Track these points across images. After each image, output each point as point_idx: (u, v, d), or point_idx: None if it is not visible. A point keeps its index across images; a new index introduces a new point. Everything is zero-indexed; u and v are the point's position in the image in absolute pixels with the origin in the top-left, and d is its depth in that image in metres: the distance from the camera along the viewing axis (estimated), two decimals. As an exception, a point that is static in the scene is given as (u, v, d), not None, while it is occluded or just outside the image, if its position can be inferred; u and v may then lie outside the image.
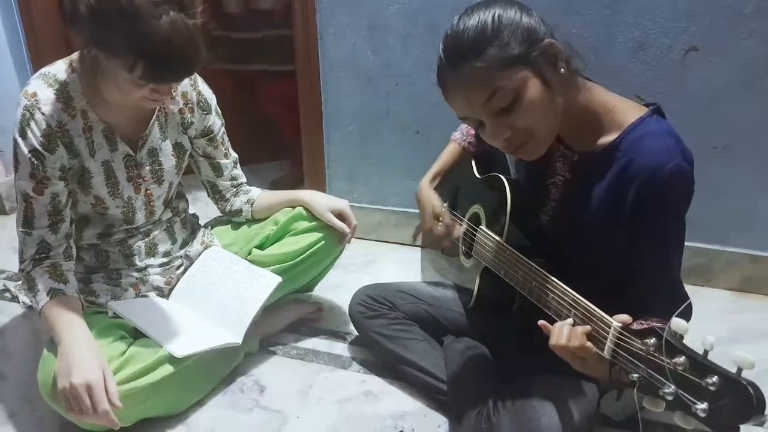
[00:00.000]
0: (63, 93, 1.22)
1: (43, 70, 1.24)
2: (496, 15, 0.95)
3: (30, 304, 1.35)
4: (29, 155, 1.22)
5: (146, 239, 1.44)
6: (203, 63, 1.12)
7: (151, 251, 1.45)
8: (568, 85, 1.01)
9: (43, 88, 1.21)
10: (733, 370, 0.67)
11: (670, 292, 1.03)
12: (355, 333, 1.57)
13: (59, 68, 1.24)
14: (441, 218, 1.34)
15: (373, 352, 1.52)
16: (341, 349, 1.59)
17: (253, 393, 1.44)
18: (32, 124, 1.20)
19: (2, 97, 2.17)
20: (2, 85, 2.19)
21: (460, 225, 1.36)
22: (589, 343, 0.90)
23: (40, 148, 1.21)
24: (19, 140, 1.22)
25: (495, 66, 0.94)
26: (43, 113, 1.20)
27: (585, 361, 0.92)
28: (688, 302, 0.92)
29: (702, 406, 0.67)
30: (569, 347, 0.91)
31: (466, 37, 0.96)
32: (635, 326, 0.96)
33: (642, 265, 1.03)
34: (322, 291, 1.75)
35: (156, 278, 1.46)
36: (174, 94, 1.37)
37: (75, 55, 1.25)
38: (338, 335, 1.64)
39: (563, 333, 0.93)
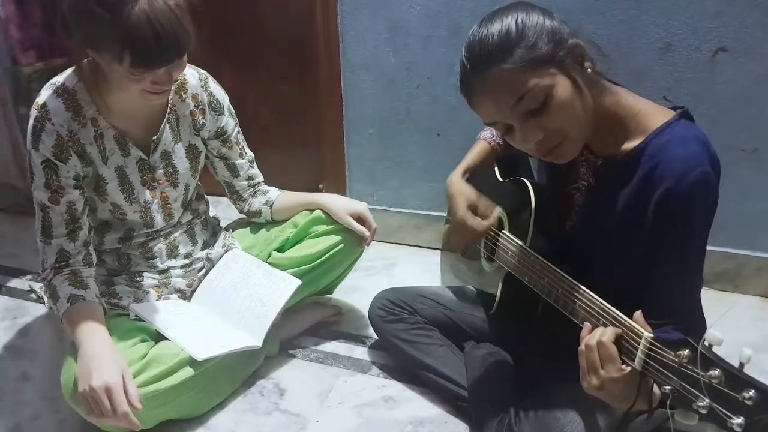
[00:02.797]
0: (72, 102, 1.24)
1: (52, 80, 1.26)
2: (519, 19, 0.95)
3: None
4: (42, 166, 1.23)
5: (167, 241, 1.45)
6: (191, 42, 1.11)
7: (172, 253, 1.46)
8: (594, 87, 0.99)
9: (52, 99, 1.22)
10: (769, 383, 0.65)
11: (685, 306, 1.01)
12: (375, 337, 1.56)
13: (67, 78, 1.25)
14: (477, 208, 1.29)
15: (393, 356, 1.51)
16: (361, 353, 1.58)
17: (272, 396, 1.43)
18: (43, 135, 1.22)
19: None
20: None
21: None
22: (614, 348, 0.88)
23: (52, 159, 1.23)
24: (32, 152, 1.24)
25: (523, 67, 0.93)
26: (53, 124, 1.22)
27: (614, 379, 0.89)
28: (702, 321, 0.89)
29: (738, 420, 0.65)
30: (600, 353, 0.89)
31: (490, 41, 0.95)
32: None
33: (660, 275, 1.00)
34: (342, 294, 1.74)
35: (178, 281, 1.47)
36: (182, 89, 1.37)
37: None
38: (358, 339, 1.63)
39: (595, 334, 0.91)
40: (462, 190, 1.32)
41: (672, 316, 0.96)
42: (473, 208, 1.28)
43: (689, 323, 0.99)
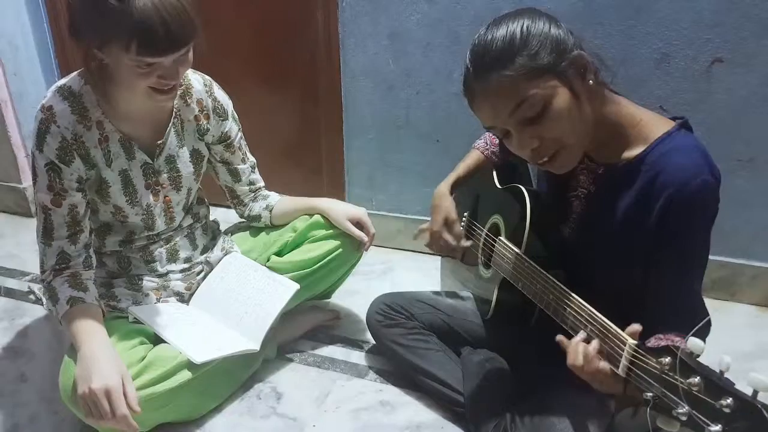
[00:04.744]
0: (78, 105, 1.25)
1: (58, 82, 1.27)
2: (525, 26, 0.95)
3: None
4: (46, 168, 1.24)
5: (167, 245, 1.46)
6: (197, 33, 1.13)
7: (173, 257, 1.47)
8: (596, 97, 1.00)
9: (58, 102, 1.24)
10: (749, 392, 0.65)
11: (691, 309, 1.02)
12: (372, 341, 1.57)
13: (74, 81, 1.26)
14: (452, 227, 1.33)
15: (390, 361, 1.52)
16: (358, 357, 1.59)
17: (270, 400, 1.45)
18: (48, 137, 1.23)
19: (31, 104, 2.23)
20: (32, 92, 2.24)
21: (477, 235, 1.36)
22: (603, 363, 0.90)
23: (56, 161, 1.24)
24: (36, 153, 1.25)
25: (523, 75, 0.94)
26: (58, 126, 1.23)
27: (601, 381, 0.91)
28: (707, 319, 0.91)
29: (716, 428, 0.66)
30: (585, 370, 0.91)
31: (494, 46, 0.96)
32: (653, 341, 0.95)
33: (664, 281, 1.01)
34: (340, 298, 1.75)
35: (177, 284, 1.48)
36: (188, 94, 1.38)
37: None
38: (355, 343, 1.64)
39: (578, 353, 0.92)
40: (444, 205, 1.36)
41: (676, 322, 0.96)
42: (449, 225, 1.34)
43: (692, 327, 1.00)
